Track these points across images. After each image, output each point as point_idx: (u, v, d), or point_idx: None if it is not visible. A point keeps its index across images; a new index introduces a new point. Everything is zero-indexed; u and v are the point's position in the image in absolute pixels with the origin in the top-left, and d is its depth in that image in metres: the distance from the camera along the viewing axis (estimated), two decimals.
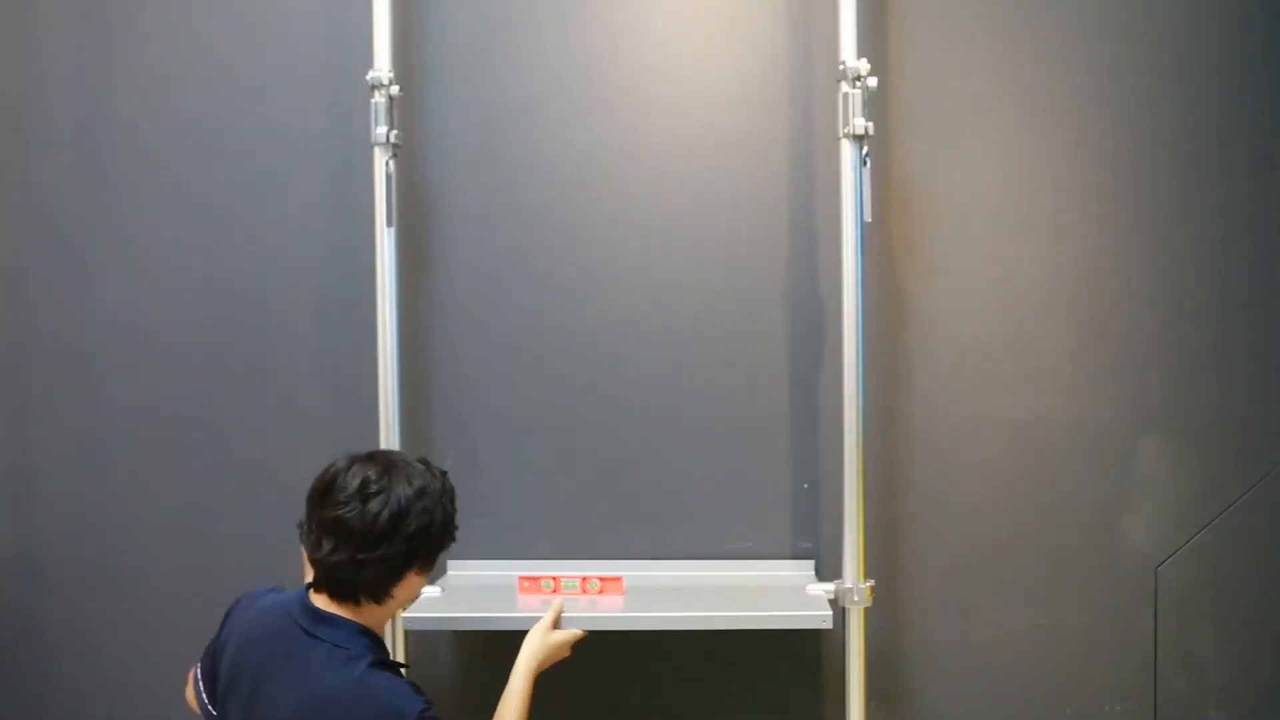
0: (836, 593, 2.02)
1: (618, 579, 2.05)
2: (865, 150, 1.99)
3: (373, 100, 2.03)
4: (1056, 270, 2.15)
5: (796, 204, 2.16)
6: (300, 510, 2.19)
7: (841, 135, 2.00)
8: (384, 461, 1.57)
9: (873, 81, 1.99)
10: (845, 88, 1.99)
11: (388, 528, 1.51)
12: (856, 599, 2.00)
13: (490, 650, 2.20)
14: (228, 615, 1.62)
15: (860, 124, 1.98)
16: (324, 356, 2.19)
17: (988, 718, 2.17)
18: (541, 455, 2.17)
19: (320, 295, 2.19)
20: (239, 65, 2.19)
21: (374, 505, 1.51)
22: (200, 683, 1.59)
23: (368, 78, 2.04)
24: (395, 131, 2.04)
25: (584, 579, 2.04)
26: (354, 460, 1.57)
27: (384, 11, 2.05)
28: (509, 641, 2.18)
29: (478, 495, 2.18)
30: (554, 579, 2.04)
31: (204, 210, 2.20)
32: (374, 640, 1.55)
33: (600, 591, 2.03)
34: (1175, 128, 2.15)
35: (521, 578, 2.05)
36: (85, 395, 2.22)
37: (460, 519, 2.18)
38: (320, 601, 1.55)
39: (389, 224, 2.04)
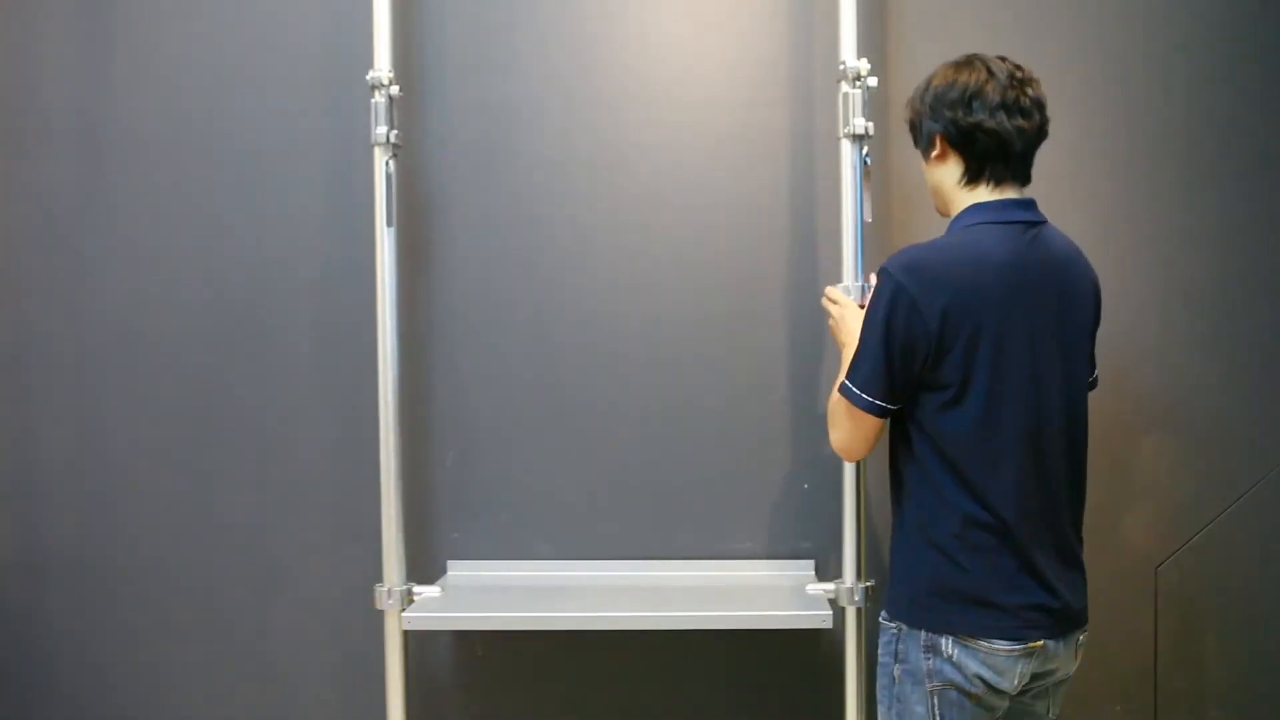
0: (836, 593, 2.02)
1: None
2: (865, 150, 1.99)
3: (373, 100, 2.03)
4: None
5: (796, 204, 2.16)
6: (299, 510, 2.20)
7: (841, 135, 2.00)
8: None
9: (873, 81, 1.99)
10: (845, 88, 1.99)
11: None
12: (856, 599, 2.01)
13: (490, 650, 2.20)
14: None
15: (860, 124, 1.98)
16: (324, 356, 2.19)
17: None
18: (541, 455, 2.17)
19: (320, 295, 2.19)
20: (239, 65, 2.19)
21: None
22: None
23: (368, 78, 2.04)
24: (395, 131, 2.04)
25: None
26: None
27: (384, 11, 2.05)
28: (509, 641, 2.19)
29: (478, 495, 2.18)
30: None
31: (204, 210, 2.20)
32: None
33: None
34: (1175, 127, 2.15)
35: None
36: (85, 395, 2.22)
37: (461, 519, 2.19)
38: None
39: (389, 224, 2.04)
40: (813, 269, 2.15)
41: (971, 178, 1.63)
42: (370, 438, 2.08)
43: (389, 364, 2.05)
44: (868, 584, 2.02)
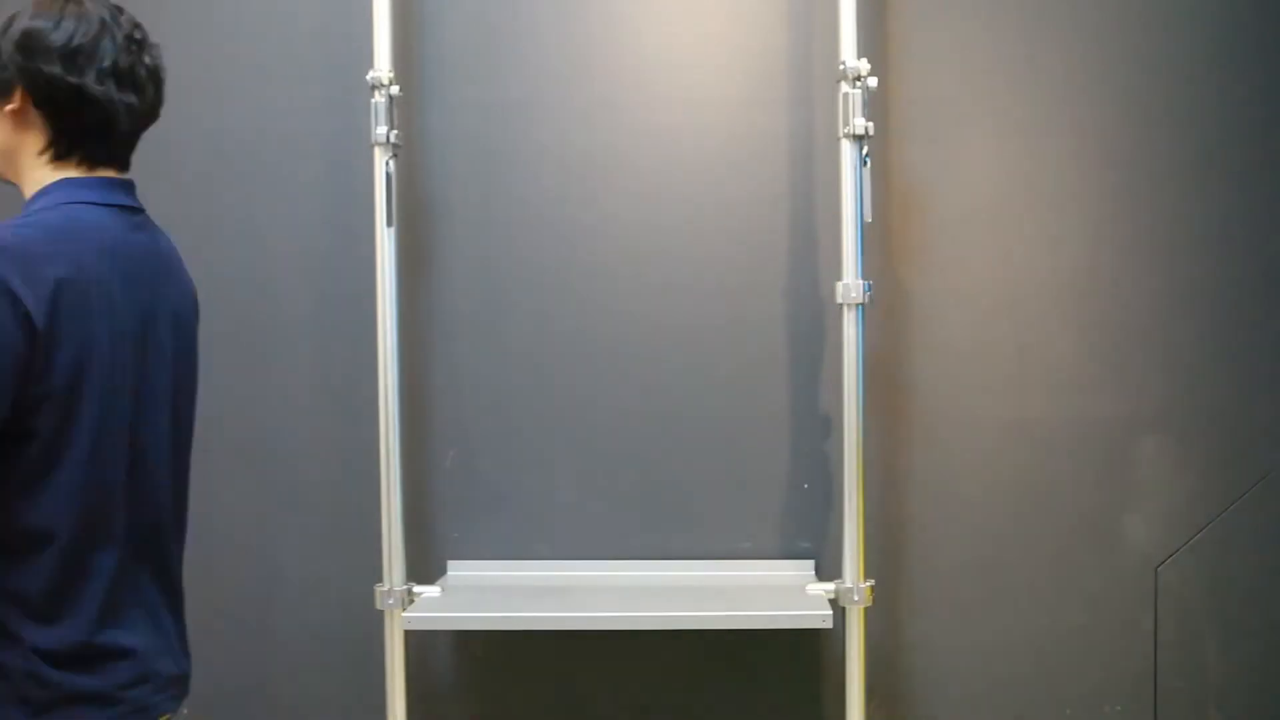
0: (836, 593, 2.02)
1: None
2: (865, 150, 1.99)
3: (373, 100, 2.03)
4: (1056, 270, 2.15)
5: (796, 204, 2.16)
6: (299, 510, 2.20)
7: (841, 135, 2.00)
8: None
9: (873, 81, 1.99)
10: (845, 88, 1.99)
11: None
12: (856, 599, 2.01)
13: (490, 650, 2.20)
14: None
15: (860, 124, 1.98)
16: (324, 356, 2.19)
17: (987, 718, 2.17)
18: (541, 455, 2.17)
19: (320, 295, 2.19)
20: (239, 65, 2.19)
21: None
22: None
23: (368, 78, 2.04)
24: (395, 131, 2.04)
25: None
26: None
27: (384, 11, 2.05)
28: (509, 641, 2.19)
29: (478, 495, 2.18)
30: None
31: (204, 210, 2.20)
32: None
33: None
34: (1175, 127, 2.15)
35: None
36: None
37: (461, 519, 2.19)
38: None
39: (389, 224, 2.04)
40: (813, 269, 2.15)
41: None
42: (370, 438, 2.08)
43: (389, 364, 2.05)
44: (868, 584, 2.02)
